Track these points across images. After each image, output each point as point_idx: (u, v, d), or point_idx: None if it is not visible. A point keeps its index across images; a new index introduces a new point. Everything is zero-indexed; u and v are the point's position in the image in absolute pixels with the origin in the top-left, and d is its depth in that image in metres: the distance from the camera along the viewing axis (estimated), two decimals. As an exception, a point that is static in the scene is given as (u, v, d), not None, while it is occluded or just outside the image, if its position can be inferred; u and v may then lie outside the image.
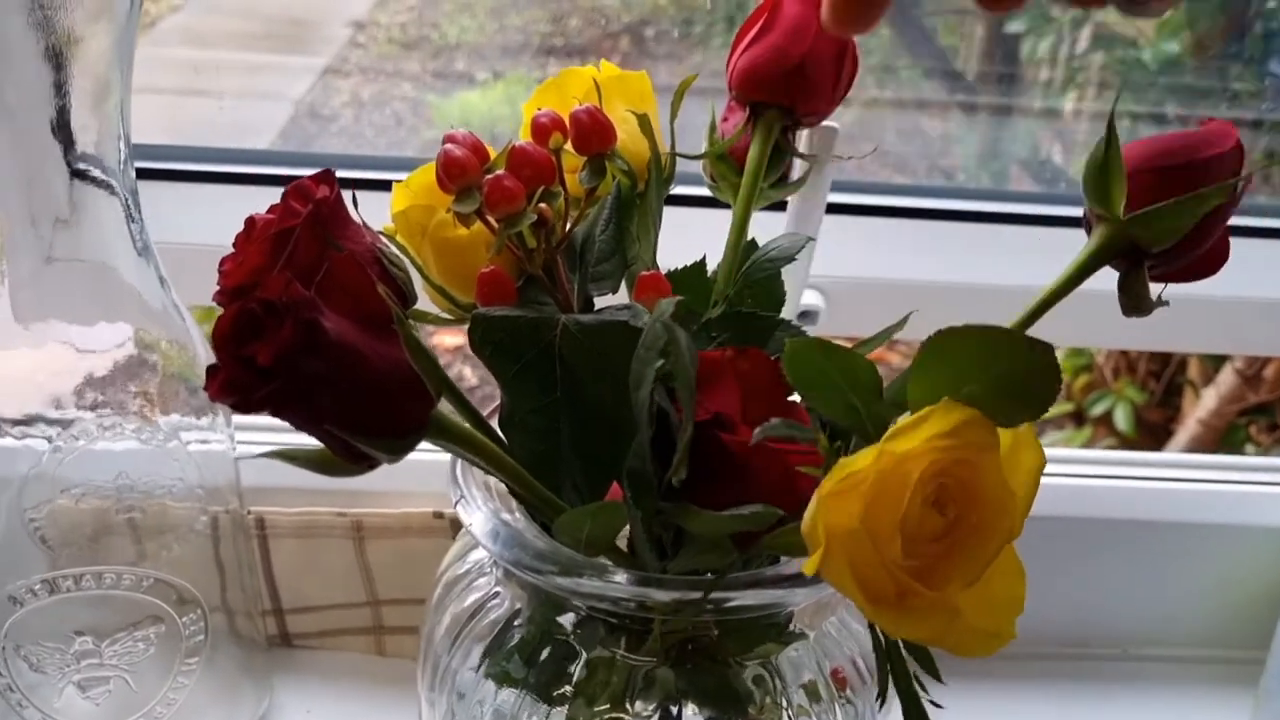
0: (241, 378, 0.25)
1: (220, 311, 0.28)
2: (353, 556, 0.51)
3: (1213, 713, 0.55)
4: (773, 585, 0.31)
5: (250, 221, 0.31)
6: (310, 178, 0.31)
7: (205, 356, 0.46)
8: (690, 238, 0.39)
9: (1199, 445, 1.41)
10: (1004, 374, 0.27)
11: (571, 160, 0.35)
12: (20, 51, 0.35)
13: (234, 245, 0.31)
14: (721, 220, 0.39)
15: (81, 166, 0.40)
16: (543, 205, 0.32)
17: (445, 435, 0.29)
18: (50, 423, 0.44)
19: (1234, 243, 0.32)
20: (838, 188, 0.63)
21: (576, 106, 0.35)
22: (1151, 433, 1.64)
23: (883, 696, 0.29)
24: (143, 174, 0.60)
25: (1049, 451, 0.52)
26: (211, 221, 0.60)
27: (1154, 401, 1.61)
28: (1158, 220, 0.29)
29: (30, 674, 0.43)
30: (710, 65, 1.61)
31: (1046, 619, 0.59)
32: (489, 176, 0.32)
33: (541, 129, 0.35)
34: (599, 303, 0.36)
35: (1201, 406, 1.41)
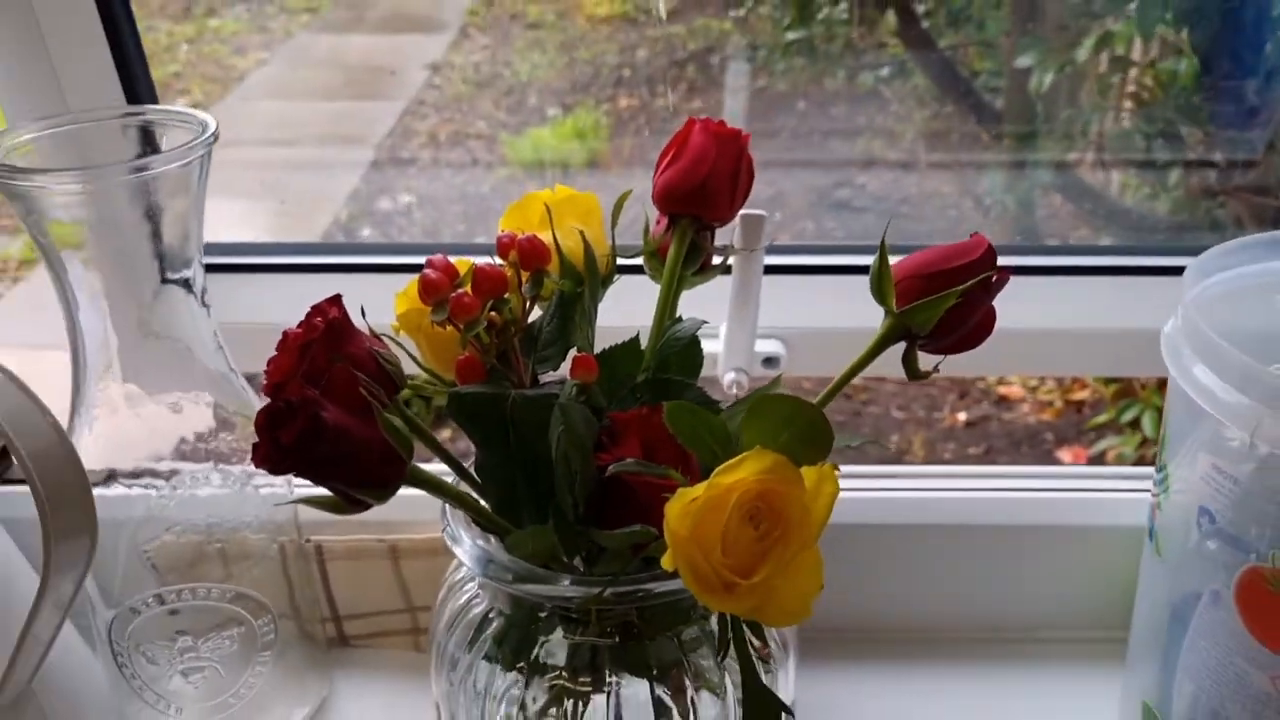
0: (273, 453, 0.37)
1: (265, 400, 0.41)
2: (392, 573, 0.64)
3: (1093, 681, 0.66)
4: (664, 578, 0.43)
5: (285, 334, 0.44)
6: (326, 301, 0.44)
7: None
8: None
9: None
10: (800, 429, 0.39)
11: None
12: (128, 216, 0.49)
13: (276, 349, 0.44)
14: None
15: (168, 275, 0.53)
16: (493, 314, 0.44)
17: (419, 484, 0.41)
18: (155, 475, 0.57)
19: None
20: (793, 252, 0.74)
21: (520, 235, 0.47)
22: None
23: (723, 652, 0.41)
24: (225, 269, 0.74)
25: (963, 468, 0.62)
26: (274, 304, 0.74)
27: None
28: (919, 312, 0.40)
29: (147, 665, 0.57)
30: (775, 88, 1.70)
31: (958, 609, 0.70)
32: (453, 294, 0.44)
33: (503, 246, 0.47)
34: (547, 378, 0.48)
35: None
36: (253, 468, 0.57)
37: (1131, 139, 1.45)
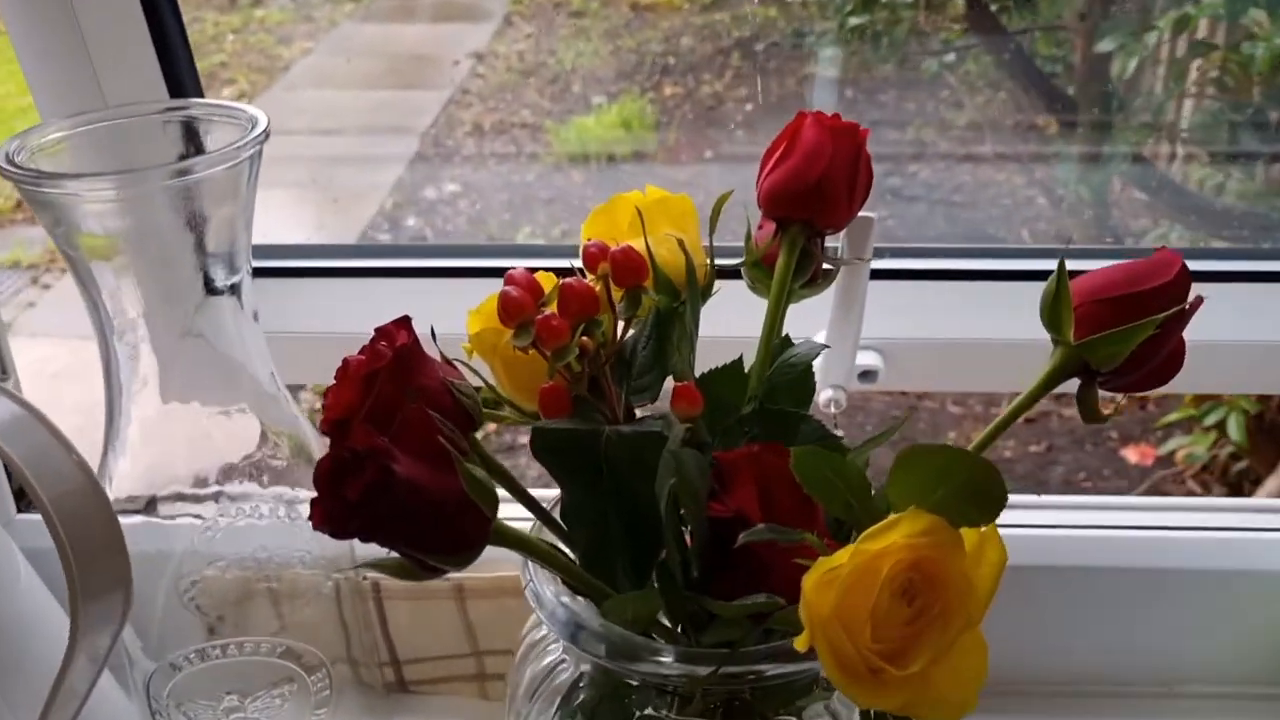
0: (337, 511, 0.31)
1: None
2: (456, 614, 0.58)
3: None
4: (788, 659, 0.36)
5: (345, 363, 0.38)
6: (393, 323, 0.38)
7: (315, 438, 0.53)
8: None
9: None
10: (961, 484, 0.32)
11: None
12: (170, 223, 0.43)
13: (335, 379, 0.38)
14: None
15: (213, 285, 0.48)
16: (584, 339, 0.38)
17: (505, 542, 0.35)
18: (198, 501, 0.52)
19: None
20: (893, 255, 0.68)
21: (616, 246, 0.41)
22: (1270, 437, 1.64)
23: (868, 757, 0.35)
24: (266, 272, 0.68)
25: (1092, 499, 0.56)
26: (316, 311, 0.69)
27: (1270, 410, 1.60)
28: (1103, 346, 0.34)
29: (189, 727, 0.51)
30: (823, 75, 1.65)
31: (1105, 660, 0.63)
32: (539, 316, 0.38)
33: (592, 258, 0.41)
34: (644, 410, 0.42)
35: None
36: (303, 492, 0.53)
37: (1214, 128, 1.38)
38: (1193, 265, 0.67)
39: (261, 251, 0.71)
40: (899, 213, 1.72)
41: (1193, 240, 1.40)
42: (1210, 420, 1.65)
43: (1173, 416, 1.86)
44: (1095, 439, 1.97)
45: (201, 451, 0.51)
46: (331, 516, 0.32)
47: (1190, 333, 0.65)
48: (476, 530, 0.34)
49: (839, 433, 0.51)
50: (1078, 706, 0.62)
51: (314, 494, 0.52)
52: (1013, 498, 0.52)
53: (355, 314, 0.70)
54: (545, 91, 2.04)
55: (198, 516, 0.52)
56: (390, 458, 0.31)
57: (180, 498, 0.52)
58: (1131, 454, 1.95)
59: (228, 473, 0.52)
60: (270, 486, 0.52)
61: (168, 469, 0.51)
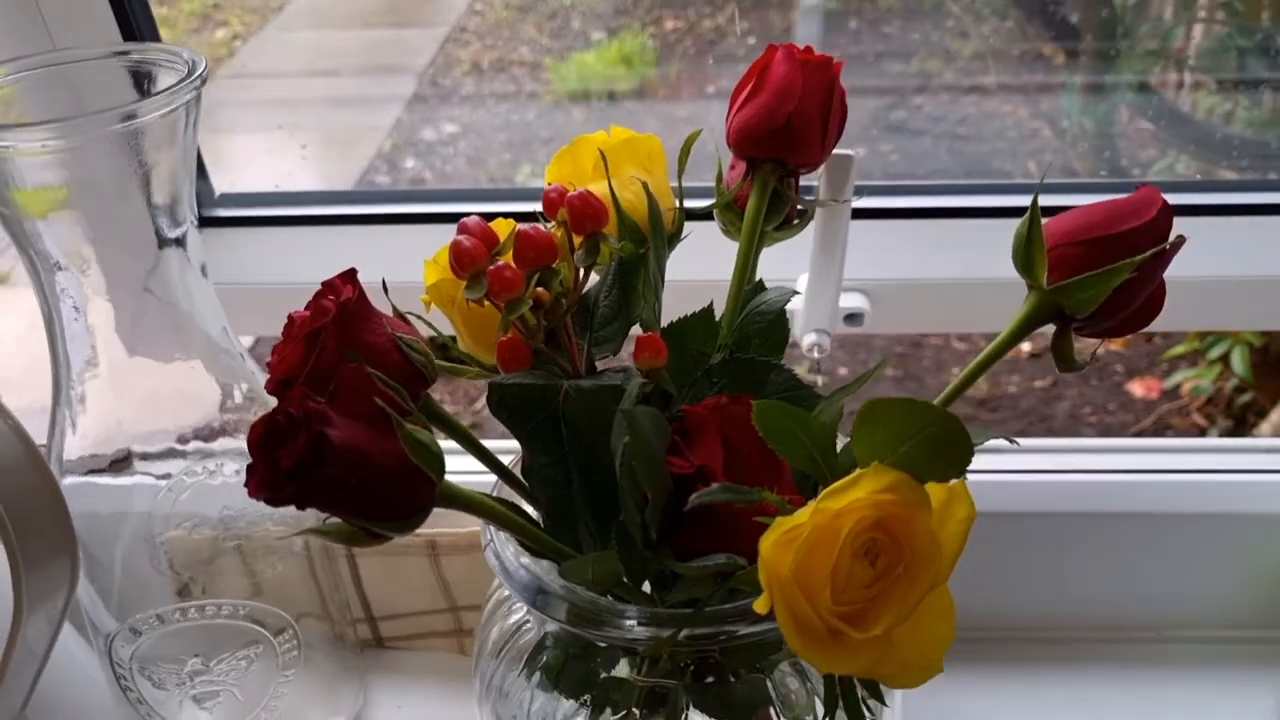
0: (271, 478, 0.30)
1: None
2: (430, 570, 0.57)
3: (1244, 687, 0.58)
4: (757, 619, 0.35)
5: (290, 320, 0.36)
6: (339, 276, 0.37)
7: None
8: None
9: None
10: (926, 439, 0.31)
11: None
12: (111, 174, 0.41)
13: (282, 335, 0.36)
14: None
15: (163, 235, 0.46)
16: (540, 290, 0.37)
17: (454, 503, 0.34)
18: (161, 458, 0.51)
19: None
20: (877, 193, 0.66)
21: (570, 191, 0.39)
22: (1275, 370, 1.62)
23: (830, 713, 0.33)
24: (239, 221, 0.67)
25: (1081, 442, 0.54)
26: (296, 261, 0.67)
27: (1275, 343, 1.58)
28: (1078, 291, 0.32)
29: (154, 690, 0.50)
30: (828, 7, 1.62)
31: (1091, 605, 0.62)
32: (491, 267, 0.36)
33: (551, 203, 0.39)
34: (605, 363, 0.40)
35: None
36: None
37: (1222, 55, 1.34)
38: (1198, 198, 0.65)
39: (232, 201, 0.69)
40: (902, 147, 1.69)
41: (1200, 170, 1.37)
42: (1215, 354, 1.63)
43: (1178, 350, 1.85)
44: (1100, 374, 1.96)
45: (161, 409, 0.50)
46: (266, 483, 0.30)
47: (1194, 268, 0.63)
48: (422, 494, 0.32)
49: (819, 379, 0.49)
50: (1068, 652, 0.61)
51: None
52: (997, 443, 0.51)
53: (325, 263, 0.69)
54: (544, 28, 2.01)
55: (162, 475, 0.50)
56: (325, 422, 0.30)
57: (143, 456, 0.50)
58: (1137, 388, 1.93)
59: (191, 431, 0.50)
60: (233, 443, 0.51)
61: (127, 427, 0.50)
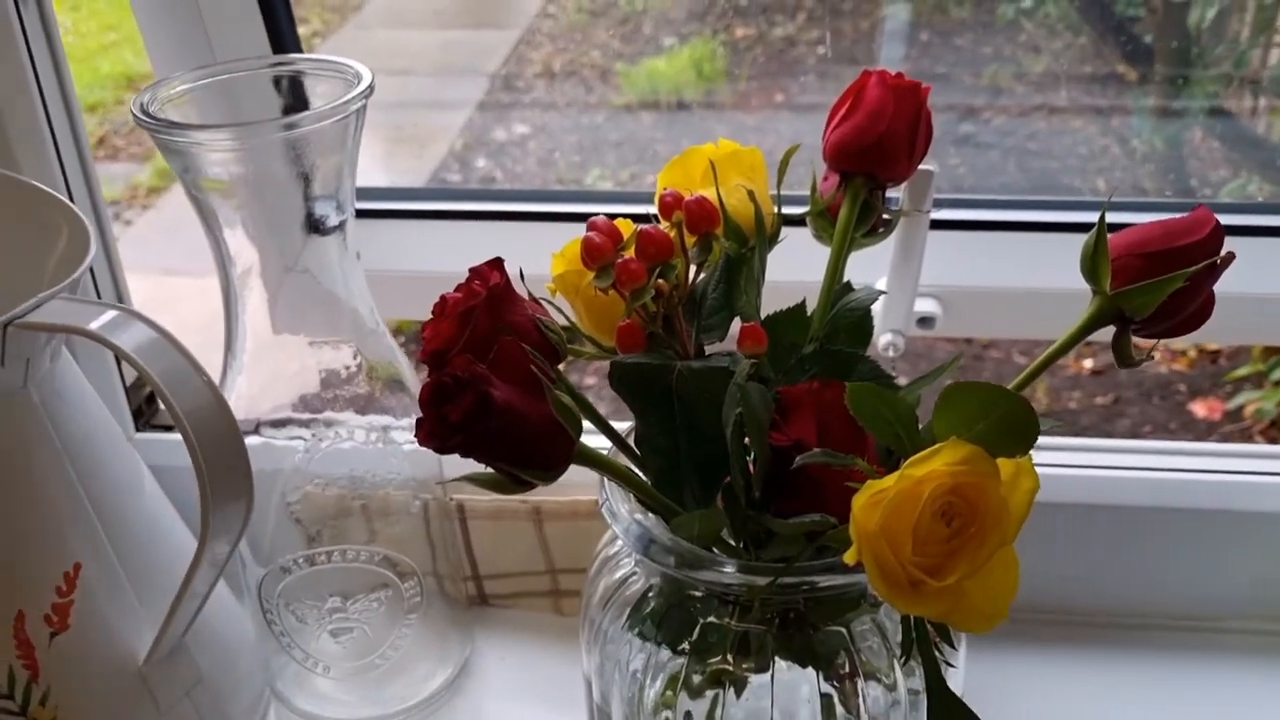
0: (439, 430, 0.36)
1: (425, 369, 0.39)
2: (534, 534, 0.63)
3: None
4: (840, 571, 0.40)
5: (443, 299, 0.42)
6: (486, 264, 0.42)
7: (408, 372, 0.57)
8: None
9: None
10: (1000, 419, 0.36)
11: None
12: (281, 170, 0.47)
13: (432, 314, 0.42)
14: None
15: (319, 227, 0.52)
16: (660, 281, 0.42)
17: (587, 462, 0.39)
18: (301, 424, 0.57)
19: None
20: (951, 205, 0.70)
21: (690, 196, 0.44)
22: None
23: (906, 656, 0.38)
24: (372, 214, 0.73)
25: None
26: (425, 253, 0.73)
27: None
28: (1137, 296, 0.37)
29: (296, 624, 0.56)
30: (899, 17, 1.65)
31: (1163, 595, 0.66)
32: (619, 261, 0.42)
33: (667, 206, 0.45)
34: (713, 348, 0.45)
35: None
36: (392, 419, 0.57)
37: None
38: (1268, 220, 0.69)
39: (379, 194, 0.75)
40: (970, 160, 1.71)
41: (1274, 193, 1.39)
42: (1279, 375, 1.64)
43: (1242, 371, 1.85)
44: (1163, 392, 1.96)
45: (305, 379, 0.56)
46: (434, 434, 0.36)
47: (1260, 286, 0.67)
48: (562, 450, 0.38)
49: (894, 374, 0.54)
50: (1133, 638, 0.65)
51: (407, 420, 0.57)
52: (1077, 440, 0.55)
53: (429, 255, 0.75)
54: (616, 32, 2.05)
55: (300, 439, 0.56)
56: (489, 384, 0.35)
57: (286, 422, 0.56)
58: (1199, 408, 1.94)
59: (328, 400, 0.56)
60: (366, 414, 0.56)
61: (275, 394, 0.56)
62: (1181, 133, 1.51)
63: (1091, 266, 0.37)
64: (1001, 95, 1.70)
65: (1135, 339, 0.38)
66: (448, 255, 0.75)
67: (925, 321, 0.68)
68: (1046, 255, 0.69)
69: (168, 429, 0.69)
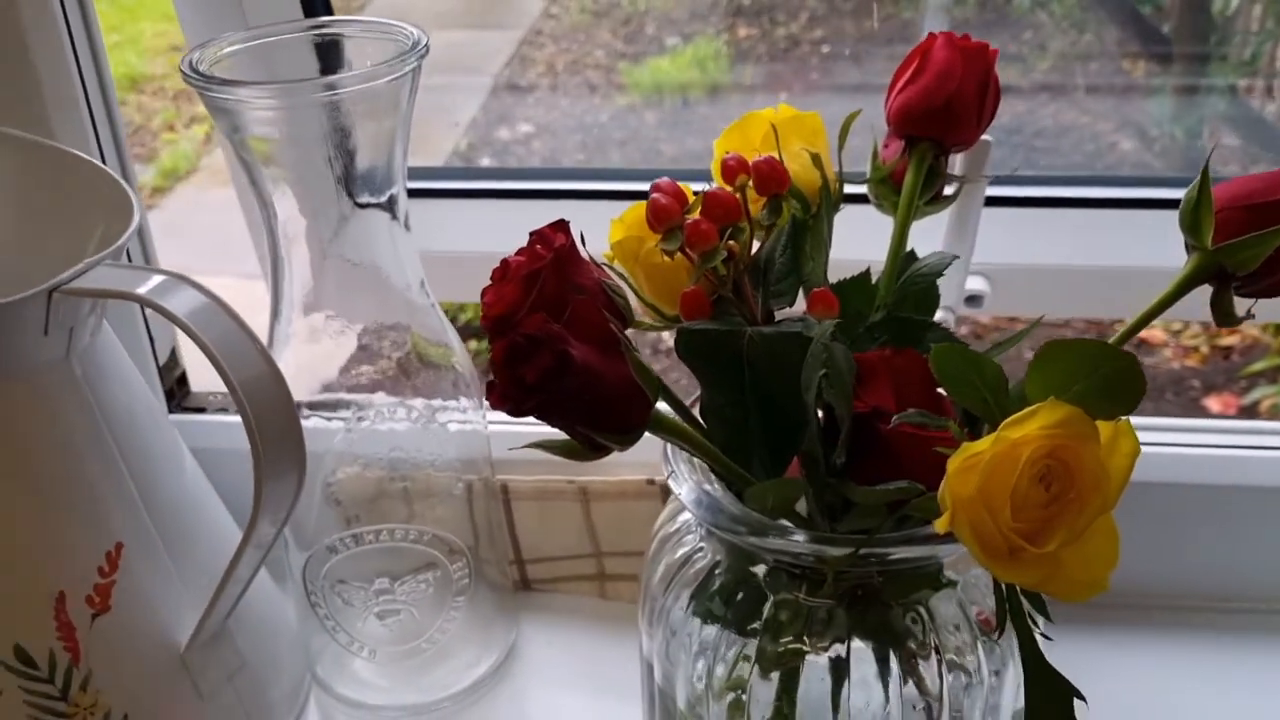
0: (514, 393, 0.34)
1: (486, 335, 0.37)
2: (580, 516, 0.61)
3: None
4: (921, 542, 0.39)
5: (504, 263, 0.40)
6: (549, 226, 0.41)
7: (459, 350, 0.56)
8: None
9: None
10: (1101, 378, 0.34)
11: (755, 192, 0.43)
12: (330, 134, 0.46)
13: (491, 279, 0.40)
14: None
15: (369, 198, 0.50)
16: (731, 243, 0.40)
17: (662, 428, 0.38)
18: (342, 405, 0.55)
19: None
20: (1001, 183, 0.69)
21: (757, 156, 0.42)
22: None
23: (1000, 628, 0.37)
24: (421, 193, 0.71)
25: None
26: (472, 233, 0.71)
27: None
28: (1240, 250, 0.35)
29: (342, 606, 0.55)
30: (902, 17, 1.64)
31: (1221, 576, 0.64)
32: (688, 220, 0.40)
33: (730, 170, 0.43)
34: (780, 314, 0.44)
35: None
36: (439, 401, 0.56)
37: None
38: None
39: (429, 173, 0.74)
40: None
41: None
42: (1299, 365, 1.63)
43: (1258, 365, 1.84)
44: (1177, 388, 1.95)
45: (348, 357, 0.54)
46: (509, 396, 0.34)
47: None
48: (639, 413, 0.36)
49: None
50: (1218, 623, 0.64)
51: (451, 401, 0.55)
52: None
53: (457, 234, 0.73)
54: (618, 32, 2.04)
55: (341, 419, 0.55)
56: (566, 342, 0.34)
57: (324, 403, 0.55)
58: (1214, 403, 1.92)
59: (372, 378, 0.55)
60: (409, 393, 0.55)
61: (313, 374, 0.54)
62: (1198, 123, 1.51)
63: (1193, 220, 0.36)
64: (1009, 90, 1.69)
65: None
66: (470, 235, 0.73)
67: (973, 300, 0.66)
68: (1096, 232, 0.67)
69: (199, 410, 0.67)
